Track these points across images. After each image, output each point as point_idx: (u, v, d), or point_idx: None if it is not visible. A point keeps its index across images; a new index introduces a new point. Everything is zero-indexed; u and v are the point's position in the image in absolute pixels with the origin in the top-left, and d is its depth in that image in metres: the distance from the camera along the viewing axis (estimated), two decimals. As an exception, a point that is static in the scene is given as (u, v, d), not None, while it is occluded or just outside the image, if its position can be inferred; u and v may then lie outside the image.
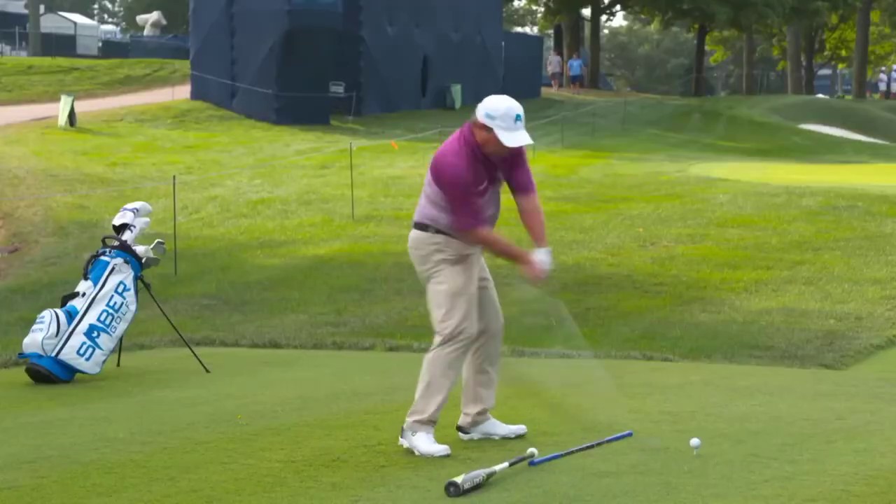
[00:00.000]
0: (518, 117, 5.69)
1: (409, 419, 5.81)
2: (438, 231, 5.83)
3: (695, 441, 5.57)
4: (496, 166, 5.81)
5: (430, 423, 5.80)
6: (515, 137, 5.68)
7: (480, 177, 5.75)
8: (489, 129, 5.68)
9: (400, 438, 5.84)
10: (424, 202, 5.89)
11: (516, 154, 5.83)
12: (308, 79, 34.52)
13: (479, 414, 6.05)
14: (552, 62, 54.76)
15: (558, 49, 60.57)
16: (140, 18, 69.38)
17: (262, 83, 34.70)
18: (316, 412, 6.89)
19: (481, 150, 5.74)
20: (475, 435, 6.06)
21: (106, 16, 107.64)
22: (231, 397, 7.50)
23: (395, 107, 38.74)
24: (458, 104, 40.72)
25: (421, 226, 5.89)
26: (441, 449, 5.74)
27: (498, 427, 6.09)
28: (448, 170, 5.72)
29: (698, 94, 62.33)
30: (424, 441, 5.76)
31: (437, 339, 5.90)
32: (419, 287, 14.36)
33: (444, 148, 5.81)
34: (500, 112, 5.67)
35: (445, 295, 5.87)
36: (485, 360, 6.04)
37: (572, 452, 5.67)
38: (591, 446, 5.77)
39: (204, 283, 15.23)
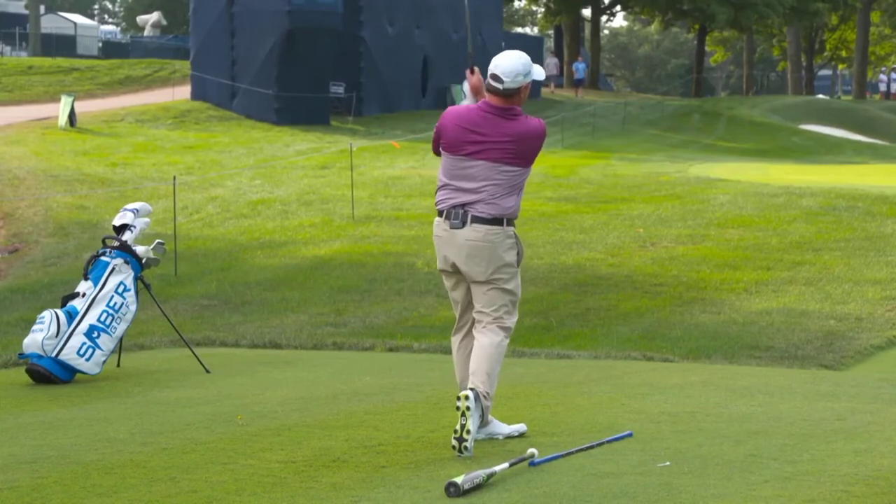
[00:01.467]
0: None
1: (486, 390, 5.84)
2: (509, 223, 5.98)
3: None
4: None
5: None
6: (540, 70, 6.10)
7: None
8: (530, 82, 6.03)
9: (468, 391, 5.74)
10: (496, 195, 5.92)
11: None
12: (308, 79, 34.53)
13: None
14: (549, 65, 54.75)
15: (558, 51, 60.57)
16: (140, 19, 69.42)
17: (263, 83, 34.71)
18: (316, 413, 6.88)
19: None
20: (479, 436, 6.06)
21: (106, 16, 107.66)
22: (231, 398, 7.49)
23: (396, 107, 38.77)
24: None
25: (496, 220, 5.91)
26: (519, 426, 6.15)
27: (501, 427, 6.10)
28: (543, 130, 6.03)
29: (698, 94, 62.34)
30: (504, 426, 6.09)
31: (503, 333, 5.99)
32: (419, 288, 14.47)
33: (531, 121, 5.99)
34: (529, 61, 5.99)
35: (514, 296, 6.04)
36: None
37: (572, 453, 5.66)
38: (592, 447, 5.77)
39: (204, 284, 15.23)
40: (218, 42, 35.68)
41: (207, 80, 36.26)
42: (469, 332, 6.10)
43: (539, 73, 6.02)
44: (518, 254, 6.04)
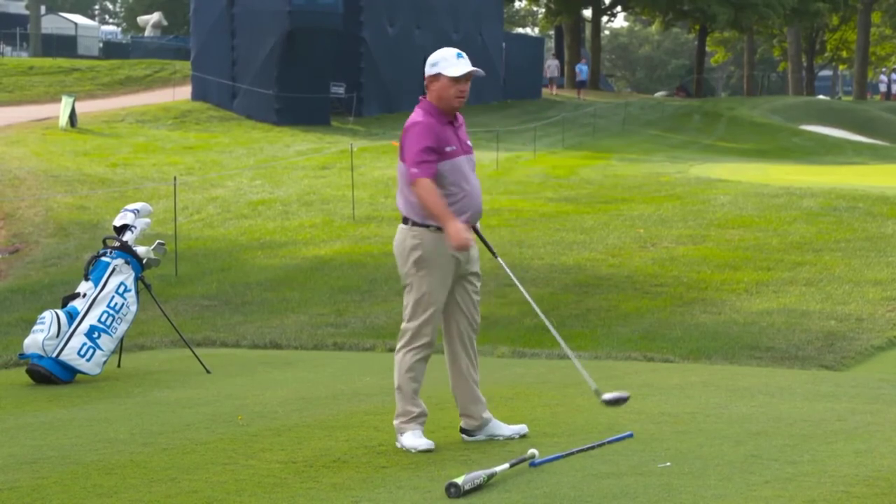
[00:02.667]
0: (459, 55, 5.90)
1: (395, 422, 5.97)
2: (416, 224, 5.86)
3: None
4: (459, 129, 5.95)
5: (414, 419, 5.90)
6: (461, 67, 5.84)
7: (446, 137, 5.84)
8: (437, 76, 5.84)
9: (396, 443, 5.97)
10: (399, 196, 5.96)
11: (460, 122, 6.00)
12: (308, 79, 34.54)
13: (470, 418, 6.06)
14: (549, 67, 54.71)
15: (558, 52, 60.55)
16: (141, 19, 69.45)
17: (263, 84, 34.72)
18: (316, 413, 6.89)
19: (441, 113, 5.87)
20: (480, 437, 6.06)
21: (107, 17, 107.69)
22: (231, 398, 7.50)
23: (396, 107, 38.75)
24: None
25: (405, 220, 5.91)
26: (424, 443, 5.85)
27: (502, 428, 6.09)
28: (409, 125, 5.84)
29: (699, 95, 62.35)
30: (410, 437, 5.89)
31: (401, 341, 5.95)
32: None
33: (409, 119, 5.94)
34: (440, 56, 5.88)
35: (415, 300, 5.87)
36: (465, 364, 6.01)
37: (573, 453, 5.67)
38: (592, 447, 5.77)
39: (204, 284, 15.23)
40: (218, 42, 35.70)
41: (208, 80, 36.28)
42: (454, 339, 6.04)
43: (456, 69, 5.80)
44: (421, 256, 5.81)
